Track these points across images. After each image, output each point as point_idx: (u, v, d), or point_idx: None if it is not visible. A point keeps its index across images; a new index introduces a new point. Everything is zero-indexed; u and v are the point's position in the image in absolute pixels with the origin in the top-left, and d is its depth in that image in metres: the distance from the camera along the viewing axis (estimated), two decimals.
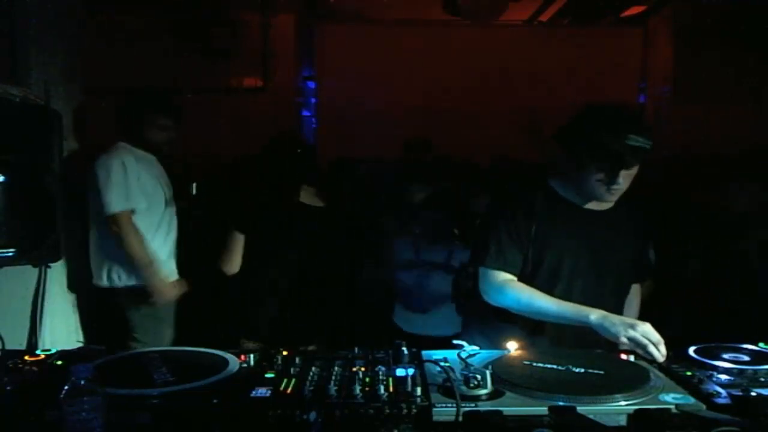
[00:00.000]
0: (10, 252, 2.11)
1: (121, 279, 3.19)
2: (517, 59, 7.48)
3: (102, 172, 3.06)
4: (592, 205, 2.11)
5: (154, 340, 3.21)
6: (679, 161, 4.96)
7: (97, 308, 3.33)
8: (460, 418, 1.39)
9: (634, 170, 1.99)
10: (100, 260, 3.20)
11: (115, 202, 3.04)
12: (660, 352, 1.77)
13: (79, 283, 3.27)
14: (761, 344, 1.88)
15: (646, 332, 1.80)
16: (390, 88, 7.26)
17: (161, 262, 3.22)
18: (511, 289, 2.06)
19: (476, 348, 1.70)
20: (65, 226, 2.87)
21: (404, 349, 1.72)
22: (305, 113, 7.45)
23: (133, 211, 3.11)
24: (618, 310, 2.15)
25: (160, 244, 3.25)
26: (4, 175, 2.06)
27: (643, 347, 1.78)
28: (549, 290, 2.06)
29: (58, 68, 3.00)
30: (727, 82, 6.01)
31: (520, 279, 2.10)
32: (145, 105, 3.32)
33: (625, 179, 1.98)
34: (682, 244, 3.36)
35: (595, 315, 1.90)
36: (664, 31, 6.99)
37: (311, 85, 7.49)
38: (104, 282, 3.20)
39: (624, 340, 1.81)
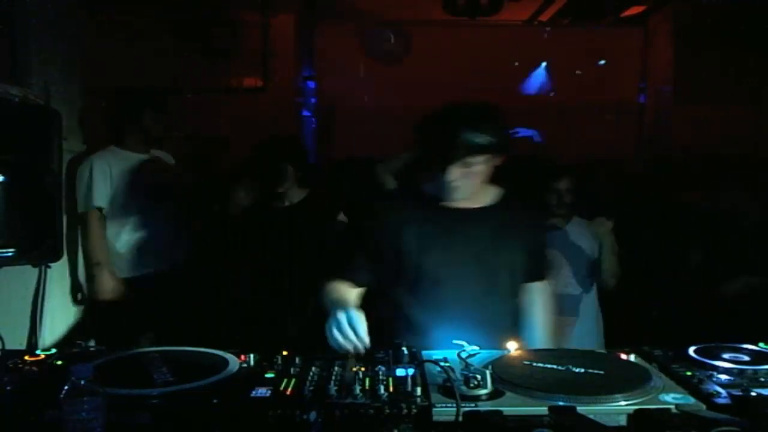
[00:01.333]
0: (9, 252, 2.11)
1: (123, 271, 3.30)
2: (517, 59, 7.50)
3: (79, 174, 3.23)
4: (465, 204, 2.02)
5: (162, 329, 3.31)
6: (678, 161, 4.97)
7: (98, 307, 3.34)
8: (460, 418, 1.39)
9: (475, 168, 1.91)
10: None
11: (81, 203, 3.23)
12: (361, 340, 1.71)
13: (80, 283, 3.28)
14: (761, 344, 1.88)
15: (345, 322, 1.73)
16: (389, 88, 7.27)
17: (121, 258, 3.31)
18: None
19: (476, 348, 1.70)
20: (66, 225, 2.89)
21: (404, 349, 1.71)
22: (305, 113, 7.45)
23: (101, 209, 3.25)
24: (513, 311, 2.10)
25: (127, 240, 3.34)
26: (4, 175, 2.06)
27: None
28: (431, 294, 1.99)
29: (58, 68, 3.00)
30: (727, 82, 6.02)
31: (405, 287, 2.03)
32: (129, 106, 3.41)
33: (465, 176, 1.91)
34: (682, 244, 3.36)
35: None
36: (664, 31, 7.00)
37: (311, 85, 7.49)
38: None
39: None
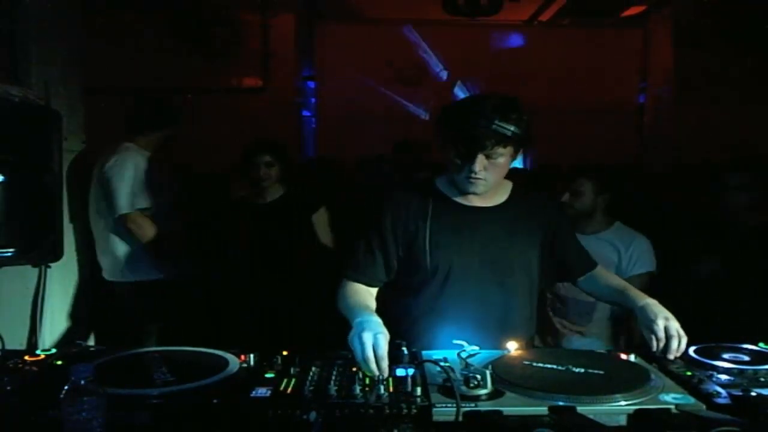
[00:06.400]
0: (9, 252, 2.11)
1: (125, 275, 3.27)
2: (517, 59, 7.49)
3: (116, 174, 3.17)
4: (479, 201, 1.99)
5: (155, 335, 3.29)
6: (678, 161, 4.97)
7: (98, 307, 3.34)
8: (460, 418, 1.39)
9: (499, 159, 1.86)
10: (106, 256, 3.28)
11: (126, 203, 3.16)
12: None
13: (80, 283, 3.28)
14: (761, 344, 1.88)
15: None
16: (390, 88, 7.28)
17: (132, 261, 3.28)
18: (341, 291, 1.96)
19: (476, 348, 1.70)
20: (66, 225, 2.88)
21: (404, 349, 1.71)
22: (305, 113, 7.45)
23: (141, 210, 3.23)
24: (530, 313, 2.06)
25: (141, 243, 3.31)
26: (4, 175, 2.06)
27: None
28: (442, 294, 1.96)
29: (58, 68, 3.00)
30: (727, 82, 6.01)
31: (416, 285, 1.99)
32: (165, 112, 3.45)
33: (488, 169, 1.86)
34: (683, 245, 3.36)
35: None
36: (664, 31, 6.99)
37: (311, 85, 7.49)
38: (110, 277, 3.29)
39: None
